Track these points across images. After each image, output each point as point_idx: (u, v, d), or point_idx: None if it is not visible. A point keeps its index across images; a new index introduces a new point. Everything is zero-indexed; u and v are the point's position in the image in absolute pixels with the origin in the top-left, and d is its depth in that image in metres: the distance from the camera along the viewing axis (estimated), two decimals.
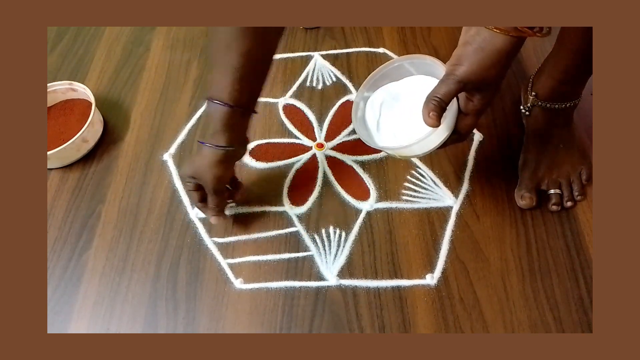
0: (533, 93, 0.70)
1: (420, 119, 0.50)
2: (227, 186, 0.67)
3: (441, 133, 0.53)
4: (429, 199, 0.70)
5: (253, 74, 0.58)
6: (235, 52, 0.54)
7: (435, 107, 0.49)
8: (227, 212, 0.69)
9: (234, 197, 0.69)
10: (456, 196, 0.70)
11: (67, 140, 0.73)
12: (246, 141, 0.64)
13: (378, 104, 0.57)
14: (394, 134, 0.56)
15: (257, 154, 0.76)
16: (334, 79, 0.85)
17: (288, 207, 0.70)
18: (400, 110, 0.56)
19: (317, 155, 0.76)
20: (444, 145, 0.55)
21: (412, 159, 0.73)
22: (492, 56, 0.48)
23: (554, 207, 0.67)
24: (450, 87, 0.49)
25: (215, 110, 0.58)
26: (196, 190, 0.64)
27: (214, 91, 0.57)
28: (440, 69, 0.51)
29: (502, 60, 0.48)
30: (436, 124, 0.49)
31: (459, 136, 0.55)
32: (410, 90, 0.56)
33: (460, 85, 0.49)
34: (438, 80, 0.51)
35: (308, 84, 0.85)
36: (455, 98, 0.52)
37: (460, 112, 0.54)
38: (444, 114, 0.50)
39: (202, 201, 0.65)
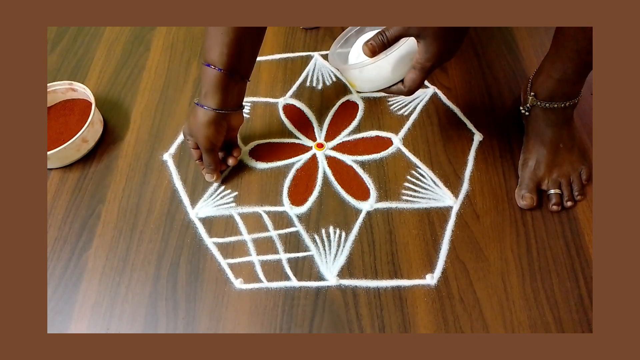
0: (532, 93, 0.70)
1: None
2: (223, 151, 0.73)
3: (382, 71, 0.56)
4: (429, 199, 0.70)
5: (243, 39, 0.62)
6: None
7: (375, 39, 0.53)
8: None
9: (227, 161, 0.73)
10: (456, 196, 0.70)
11: (67, 140, 0.73)
12: (240, 106, 0.69)
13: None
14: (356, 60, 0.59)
15: (257, 154, 0.77)
16: (334, 79, 0.85)
17: (288, 207, 0.70)
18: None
19: (317, 155, 0.76)
20: (389, 90, 0.58)
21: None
22: None
23: (555, 207, 0.67)
24: (400, 28, 0.51)
25: (206, 73, 0.63)
26: (195, 149, 0.70)
27: (206, 55, 0.62)
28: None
29: None
30: (369, 54, 0.53)
31: (403, 88, 0.57)
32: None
33: (405, 29, 0.51)
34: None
35: (308, 84, 0.85)
36: (408, 48, 0.54)
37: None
38: (391, 56, 0.54)
39: (200, 159, 0.71)
